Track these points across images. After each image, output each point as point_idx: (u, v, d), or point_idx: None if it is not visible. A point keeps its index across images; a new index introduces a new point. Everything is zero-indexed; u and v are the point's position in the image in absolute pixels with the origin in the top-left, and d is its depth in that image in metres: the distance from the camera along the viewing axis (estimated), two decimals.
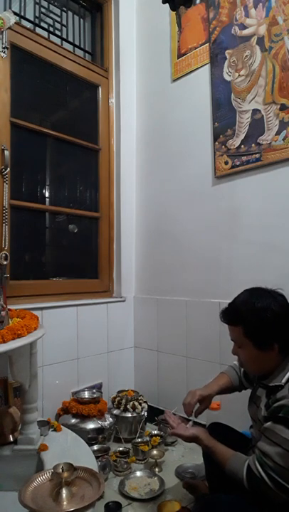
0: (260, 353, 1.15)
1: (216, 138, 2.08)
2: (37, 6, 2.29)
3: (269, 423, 1.08)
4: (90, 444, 1.78)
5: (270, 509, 1.06)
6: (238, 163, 1.97)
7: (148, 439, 1.95)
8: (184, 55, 2.29)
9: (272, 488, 1.03)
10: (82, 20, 2.60)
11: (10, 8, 2.13)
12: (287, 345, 1.14)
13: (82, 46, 2.56)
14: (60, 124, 2.37)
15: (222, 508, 1.06)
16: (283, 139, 1.78)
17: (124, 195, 2.55)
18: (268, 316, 1.12)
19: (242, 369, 1.44)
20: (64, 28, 2.44)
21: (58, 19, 2.40)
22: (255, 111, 1.90)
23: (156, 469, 1.79)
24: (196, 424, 1.38)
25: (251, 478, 1.06)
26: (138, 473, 1.74)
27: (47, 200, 2.30)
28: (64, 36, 2.43)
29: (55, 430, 1.75)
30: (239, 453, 1.15)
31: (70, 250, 2.43)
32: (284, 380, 1.11)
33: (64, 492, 1.21)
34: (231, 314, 1.20)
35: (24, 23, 2.19)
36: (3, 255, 1.91)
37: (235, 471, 1.10)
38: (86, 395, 2.09)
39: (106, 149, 2.57)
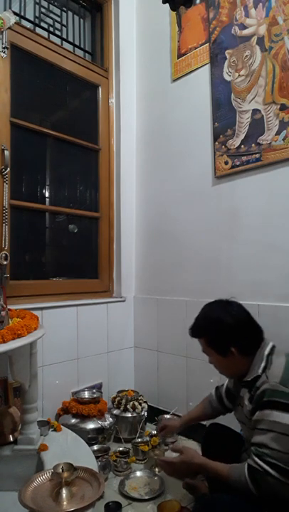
0: (225, 358, 1.27)
1: (216, 138, 2.08)
2: (37, 6, 2.29)
3: (256, 413, 1.13)
4: (90, 444, 1.78)
5: (271, 508, 1.06)
6: (238, 163, 1.97)
7: (148, 439, 1.95)
8: (184, 55, 2.29)
9: (277, 477, 1.03)
10: (82, 20, 2.60)
11: (10, 8, 2.13)
12: (244, 347, 1.25)
13: (82, 46, 2.56)
14: (60, 124, 2.37)
15: (222, 507, 1.06)
16: (283, 139, 1.78)
17: (124, 195, 2.55)
18: (221, 326, 1.26)
19: (223, 390, 1.51)
20: (64, 28, 2.44)
21: (58, 19, 2.41)
22: (255, 111, 1.90)
23: (156, 469, 1.78)
24: None
25: (255, 476, 1.06)
26: (138, 473, 1.74)
27: (47, 200, 2.30)
28: (64, 36, 2.43)
29: (55, 430, 1.75)
30: (234, 464, 1.17)
31: (70, 250, 2.43)
32: (260, 370, 1.19)
33: (64, 492, 1.21)
34: (194, 329, 1.35)
35: (24, 23, 2.19)
36: (3, 255, 1.92)
37: (238, 479, 1.10)
38: (86, 395, 2.09)
39: (106, 149, 2.56)
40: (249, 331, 1.28)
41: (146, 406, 2.17)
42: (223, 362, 1.29)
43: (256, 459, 1.07)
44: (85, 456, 1.52)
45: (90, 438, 1.86)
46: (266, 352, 1.23)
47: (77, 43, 2.52)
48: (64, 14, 2.45)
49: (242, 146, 1.95)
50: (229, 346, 1.25)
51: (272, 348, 1.26)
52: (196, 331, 1.34)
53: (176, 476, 1.36)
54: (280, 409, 1.07)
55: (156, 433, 1.82)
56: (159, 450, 1.84)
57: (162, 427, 1.68)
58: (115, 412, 2.11)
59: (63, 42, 2.41)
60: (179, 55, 2.32)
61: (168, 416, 2.16)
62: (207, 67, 2.15)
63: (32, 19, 2.25)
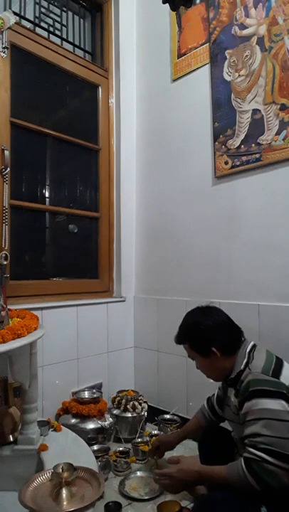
0: (208, 360, 1.32)
1: (216, 138, 2.08)
2: (37, 6, 2.29)
3: (244, 405, 1.15)
4: (90, 444, 1.78)
5: (269, 505, 1.06)
6: (238, 163, 1.97)
7: (148, 439, 1.96)
8: (184, 55, 2.29)
9: (275, 463, 1.03)
10: (82, 20, 2.60)
11: (10, 8, 2.13)
12: (225, 346, 1.31)
13: (82, 46, 2.56)
14: (60, 124, 2.36)
15: (221, 506, 1.06)
16: (283, 139, 1.78)
17: (124, 195, 2.55)
18: (201, 328, 1.33)
19: (214, 400, 1.54)
20: (64, 28, 2.44)
21: (58, 19, 2.41)
22: (255, 111, 1.90)
23: (157, 469, 1.78)
24: None
25: (253, 467, 1.07)
26: (138, 473, 1.74)
27: (47, 200, 2.30)
28: (64, 36, 2.43)
29: (55, 430, 1.75)
30: (231, 463, 1.17)
31: (70, 250, 2.43)
32: (242, 366, 1.25)
33: (64, 492, 1.21)
34: (178, 336, 1.42)
35: (24, 23, 2.19)
36: (3, 255, 1.92)
37: (237, 476, 1.10)
38: (86, 395, 2.09)
39: (106, 149, 2.56)
40: (228, 331, 1.34)
41: (146, 406, 2.17)
42: (207, 363, 1.34)
43: (251, 449, 1.08)
44: (85, 456, 1.52)
45: (90, 438, 1.86)
46: (247, 349, 1.28)
47: (77, 43, 2.52)
48: (64, 14, 2.45)
49: (242, 146, 1.95)
50: (210, 346, 1.30)
51: (253, 346, 1.31)
52: (179, 338, 1.42)
53: (174, 488, 1.29)
54: (265, 396, 1.11)
55: (150, 453, 1.74)
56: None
57: (157, 446, 1.67)
58: (115, 412, 2.11)
59: (63, 42, 2.41)
60: (179, 55, 2.32)
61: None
62: (207, 67, 2.15)
63: (32, 19, 2.25)
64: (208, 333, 1.32)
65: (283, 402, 1.09)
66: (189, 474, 1.23)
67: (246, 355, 1.26)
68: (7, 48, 2.01)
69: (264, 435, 1.07)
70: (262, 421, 1.09)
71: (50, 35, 2.34)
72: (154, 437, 1.94)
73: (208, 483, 1.24)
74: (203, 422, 1.57)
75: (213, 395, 1.58)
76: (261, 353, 1.26)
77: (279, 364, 1.21)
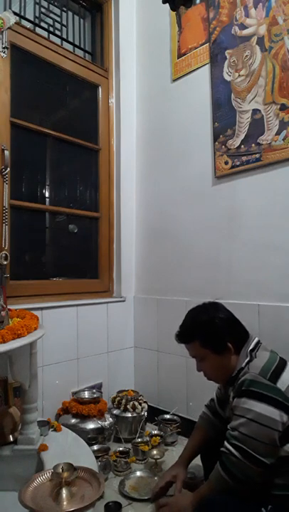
0: (221, 357, 1.28)
1: (216, 138, 2.08)
2: (37, 6, 2.29)
3: (234, 400, 1.17)
4: (90, 444, 1.78)
5: (269, 508, 1.06)
6: (238, 163, 1.97)
7: (148, 439, 1.95)
8: (184, 55, 2.29)
9: (239, 458, 1.07)
10: (82, 20, 2.60)
11: (10, 8, 2.13)
12: (238, 342, 1.29)
13: (82, 46, 2.56)
14: (60, 124, 2.36)
15: (220, 507, 1.07)
16: (283, 139, 1.78)
17: (124, 195, 2.55)
18: (216, 323, 1.29)
19: (215, 403, 1.48)
20: (64, 28, 2.44)
21: (58, 19, 2.40)
22: (255, 111, 1.90)
23: (156, 469, 1.79)
24: None
25: (222, 459, 1.11)
26: (138, 473, 1.74)
27: (47, 200, 2.30)
28: (64, 36, 2.43)
29: (55, 430, 1.75)
30: None
31: (70, 250, 2.43)
32: (243, 364, 1.23)
33: (64, 492, 1.21)
34: (185, 334, 1.35)
35: (24, 23, 2.19)
36: (3, 255, 1.92)
37: (214, 474, 1.14)
38: (86, 395, 2.08)
39: (106, 149, 2.56)
40: (238, 326, 1.33)
41: (146, 406, 2.17)
42: (218, 361, 1.29)
43: (225, 442, 1.12)
44: (85, 456, 1.52)
45: (90, 438, 1.86)
46: (250, 348, 1.27)
47: (77, 43, 2.52)
48: (64, 14, 2.45)
49: (242, 146, 1.95)
50: (226, 341, 1.27)
51: (257, 343, 1.29)
52: (186, 335, 1.35)
53: None
54: (255, 398, 1.11)
55: (153, 498, 1.46)
56: (159, 450, 1.84)
57: (167, 483, 1.42)
58: (115, 412, 2.11)
59: (63, 42, 2.41)
60: (179, 55, 2.32)
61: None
62: (207, 67, 2.15)
63: (32, 19, 2.25)
64: (224, 328, 1.28)
65: (271, 408, 1.08)
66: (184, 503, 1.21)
67: (248, 354, 1.25)
68: (7, 48, 2.01)
69: (240, 432, 1.10)
70: (243, 419, 1.11)
71: (50, 35, 2.34)
72: (154, 437, 1.94)
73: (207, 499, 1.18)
74: (211, 431, 1.46)
75: (212, 400, 1.51)
76: (264, 353, 1.24)
77: (281, 366, 1.18)
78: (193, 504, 1.18)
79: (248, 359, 1.23)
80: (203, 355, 1.31)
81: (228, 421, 1.43)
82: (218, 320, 1.29)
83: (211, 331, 1.29)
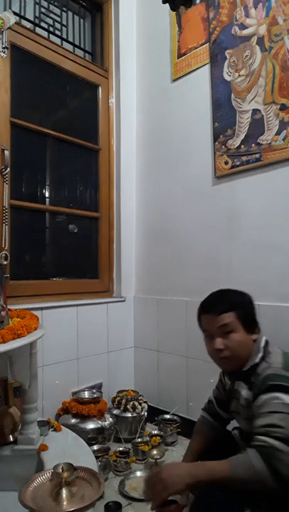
0: (247, 336, 1.24)
1: (216, 138, 2.08)
2: (37, 6, 2.29)
3: (260, 397, 1.11)
4: (90, 444, 1.78)
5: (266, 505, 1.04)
6: (238, 163, 1.97)
7: (148, 439, 1.95)
8: (184, 55, 2.29)
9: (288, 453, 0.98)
10: (82, 20, 2.60)
11: (10, 8, 2.13)
12: (260, 332, 1.29)
13: (82, 46, 2.56)
14: (60, 124, 2.36)
15: (214, 506, 1.03)
16: (283, 139, 1.78)
17: (124, 195, 2.55)
18: (253, 303, 1.30)
19: (214, 404, 1.43)
20: (64, 28, 2.44)
21: (58, 19, 2.40)
22: (255, 111, 1.90)
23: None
24: None
25: (265, 453, 0.98)
26: (138, 473, 1.74)
27: (47, 200, 2.30)
28: (64, 36, 2.43)
29: (55, 430, 1.75)
30: (232, 457, 1.05)
31: (70, 250, 2.43)
32: (258, 359, 1.21)
33: (64, 492, 1.21)
34: (224, 302, 1.28)
35: (24, 23, 2.19)
36: (3, 255, 1.92)
37: (243, 468, 0.99)
38: (86, 395, 2.09)
39: (106, 149, 2.56)
40: None
41: (146, 406, 2.17)
42: (244, 339, 1.23)
43: (263, 437, 1.01)
44: (85, 456, 1.52)
45: (90, 438, 1.86)
46: (262, 344, 1.25)
47: (77, 43, 2.52)
48: (64, 14, 2.45)
49: (242, 146, 1.95)
50: (256, 325, 1.28)
51: (266, 341, 1.28)
52: (225, 303, 1.27)
53: (156, 493, 1.07)
54: (285, 391, 1.07)
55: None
56: (159, 450, 1.84)
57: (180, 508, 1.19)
58: (115, 412, 2.11)
59: (63, 42, 2.41)
60: (179, 55, 2.32)
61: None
62: (207, 67, 2.15)
63: (32, 19, 2.25)
64: (255, 312, 1.30)
65: None
66: (179, 471, 1.06)
67: (261, 349, 1.23)
68: (7, 48, 2.01)
69: (281, 426, 1.01)
70: (279, 414, 1.04)
71: (50, 35, 2.34)
72: (154, 437, 1.94)
73: (202, 484, 1.04)
74: (212, 433, 1.41)
75: (210, 403, 1.47)
76: (276, 349, 1.24)
77: None
78: (192, 474, 1.04)
79: (261, 354, 1.21)
80: (234, 327, 1.24)
81: (228, 421, 1.43)
82: (252, 300, 1.30)
83: (249, 308, 1.29)
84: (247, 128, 1.93)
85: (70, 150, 2.42)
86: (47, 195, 2.30)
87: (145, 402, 2.19)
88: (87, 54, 2.60)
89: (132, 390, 2.25)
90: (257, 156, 1.88)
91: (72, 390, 2.15)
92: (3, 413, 1.63)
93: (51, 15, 2.37)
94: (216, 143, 2.07)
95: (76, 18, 2.55)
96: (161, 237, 2.42)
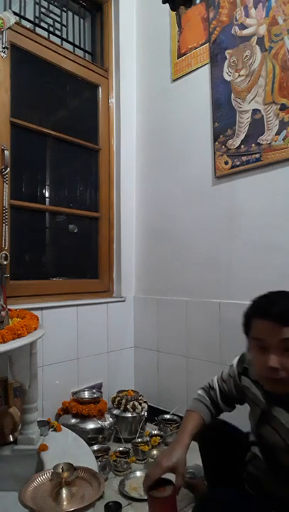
0: None
1: (216, 138, 2.08)
2: (37, 6, 2.29)
3: None
4: (90, 444, 1.78)
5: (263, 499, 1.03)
6: (238, 163, 1.97)
7: (148, 439, 1.95)
8: (184, 55, 2.29)
9: None
10: (82, 20, 2.60)
11: (10, 8, 2.13)
12: None
13: (82, 46, 2.56)
14: (60, 124, 2.36)
15: (221, 501, 1.03)
16: (283, 139, 1.78)
17: (124, 195, 2.55)
18: None
19: (218, 394, 1.28)
20: (64, 28, 2.44)
21: (58, 19, 2.40)
22: (255, 111, 1.90)
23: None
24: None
25: None
26: (138, 473, 1.74)
27: (47, 200, 2.30)
28: (64, 36, 2.43)
29: (55, 430, 1.75)
30: None
31: (70, 250, 2.43)
32: None
33: (64, 492, 1.21)
34: None
35: (24, 23, 2.19)
36: (3, 255, 1.92)
37: None
38: (86, 395, 2.09)
39: (106, 149, 2.56)
40: None
41: (146, 406, 2.17)
42: None
43: None
44: (85, 456, 1.52)
45: (90, 438, 1.86)
46: None
47: (77, 43, 2.52)
48: (64, 14, 2.45)
49: (242, 146, 1.95)
50: None
51: None
52: None
53: (150, 473, 1.05)
54: None
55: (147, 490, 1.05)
56: (159, 450, 1.84)
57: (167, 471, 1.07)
58: (115, 412, 2.11)
59: (63, 42, 2.41)
60: (179, 55, 2.32)
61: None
62: (207, 67, 2.15)
63: (32, 19, 2.25)
64: None
65: None
66: (170, 449, 1.05)
67: None
68: (7, 48, 2.01)
69: None
70: None
71: (50, 35, 2.34)
72: (154, 437, 1.94)
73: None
74: (208, 418, 1.25)
75: (212, 389, 1.31)
76: None
77: None
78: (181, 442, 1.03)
79: None
80: None
81: (220, 411, 1.29)
82: None
83: None
84: (247, 128, 1.93)
85: (70, 150, 2.42)
86: (47, 195, 2.30)
87: (145, 402, 2.19)
88: (87, 54, 2.60)
89: (132, 390, 2.25)
90: (257, 156, 1.88)
91: (72, 390, 2.15)
92: (3, 413, 1.63)
93: (51, 15, 2.37)
94: (216, 143, 2.07)
95: (76, 18, 2.55)
96: (161, 237, 2.42)
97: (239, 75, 1.97)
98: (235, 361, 1.28)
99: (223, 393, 1.30)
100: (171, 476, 1.06)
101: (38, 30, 2.26)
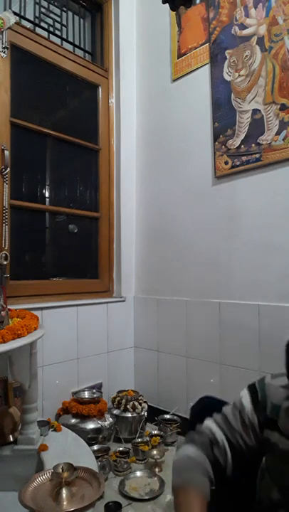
0: None
1: (216, 138, 2.08)
2: (37, 6, 2.29)
3: None
4: (90, 444, 1.78)
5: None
6: (238, 163, 1.97)
7: (148, 439, 1.95)
8: (184, 55, 2.29)
9: None
10: (82, 20, 2.60)
11: (10, 8, 2.13)
12: None
13: (82, 46, 2.56)
14: (60, 124, 2.36)
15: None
16: (283, 139, 1.78)
17: (124, 195, 2.55)
18: None
19: (228, 453, 0.92)
20: (64, 28, 2.44)
21: (58, 19, 2.40)
22: (255, 111, 1.90)
23: (156, 469, 1.79)
24: None
25: None
26: (138, 473, 1.74)
27: (47, 200, 2.30)
28: (64, 36, 2.43)
29: (55, 430, 1.75)
30: None
31: (70, 250, 2.43)
32: None
33: (64, 492, 1.21)
34: None
35: (24, 23, 2.19)
36: (3, 255, 1.92)
37: None
38: (86, 395, 2.08)
39: (106, 149, 2.56)
40: None
41: (146, 406, 2.17)
42: None
43: None
44: (85, 456, 1.52)
45: (90, 438, 1.86)
46: None
47: (77, 43, 2.52)
48: (64, 14, 2.45)
49: (242, 146, 1.95)
50: None
51: None
52: None
53: None
54: None
55: None
56: (159, 450, 1.84)
57: None
58: (115, 412, 2.11)
59: (63, 42, 2.41)
60: (179, 55, 2.32)
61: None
62: (207, 67, 2.15)
63: (32, 19, 2.25)
64: None
65: None
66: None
67: None
68: (7, 48, 2.01)
69: None
70: None
71: (50, 35, 2.34)
72: (154, 437, 1.94)
73: None
74: (205, 485, 0.90)
75: (211, 443, 0.93)
76: None
77: None
78: None
79: None
80: None
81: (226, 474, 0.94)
82: None
83: None
84: (247, 128, 1.93)
85: (70, 150, 2.42)
86: (47, 195, 2.30)
87: (145, 402, 2.19)
88: (87, 54, 2.60)
89: (132, 390, 2.25)
90: (257, 156, 1.88)
91: (72, 390, 2.15)
92: (3, 413, 1.63)
93: (51, 15, 2.37)
94: (216, 143, 2.07)
95: (76, 18, 2.55)
96: (161, 237, 2.42)
97: (239, 75, 1.97)
98: (247, 400, 0.94)
99: (233, 447, 0.92)
100: None
101: (38, 30, 2.26)
